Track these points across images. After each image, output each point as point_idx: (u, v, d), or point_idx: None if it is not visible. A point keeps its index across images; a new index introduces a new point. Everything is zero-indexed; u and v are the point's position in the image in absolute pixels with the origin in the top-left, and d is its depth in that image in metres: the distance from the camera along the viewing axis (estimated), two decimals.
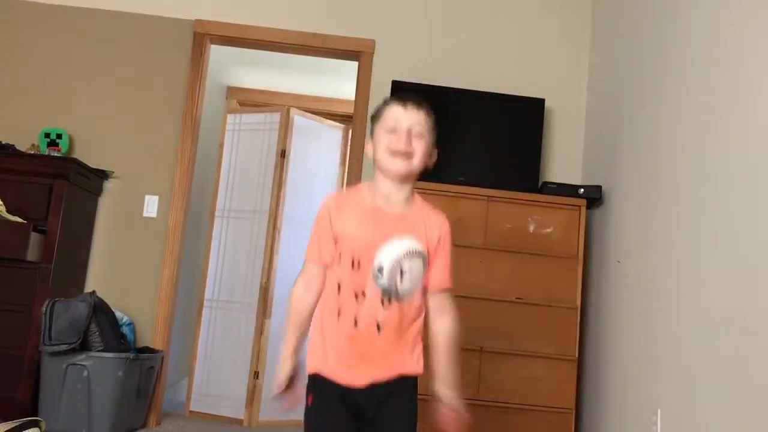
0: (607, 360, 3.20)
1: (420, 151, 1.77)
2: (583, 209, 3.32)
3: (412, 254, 1.72)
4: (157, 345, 3.63)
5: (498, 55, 3.95)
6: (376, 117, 1.83)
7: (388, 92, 3.38)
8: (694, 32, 2.67)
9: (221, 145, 4.49)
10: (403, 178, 1.78)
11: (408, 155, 1.75)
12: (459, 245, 3.17)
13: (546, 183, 3.47)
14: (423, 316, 1.81)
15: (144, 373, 3.39)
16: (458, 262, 3.18)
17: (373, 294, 1.69)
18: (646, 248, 2.91)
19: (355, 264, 1.70)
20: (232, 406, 4.06)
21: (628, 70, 3.34)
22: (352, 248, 1.71)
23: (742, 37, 2.30)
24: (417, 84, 3.45)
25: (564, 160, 3.86)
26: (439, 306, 1.84)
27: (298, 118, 4.38)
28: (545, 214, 3.30)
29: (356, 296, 1.69)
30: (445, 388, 1.84)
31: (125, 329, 3.48)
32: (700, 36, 2.62)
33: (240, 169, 4.41)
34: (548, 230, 3.28)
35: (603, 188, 3.42)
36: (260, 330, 4.11)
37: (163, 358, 3.62)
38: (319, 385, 1.75)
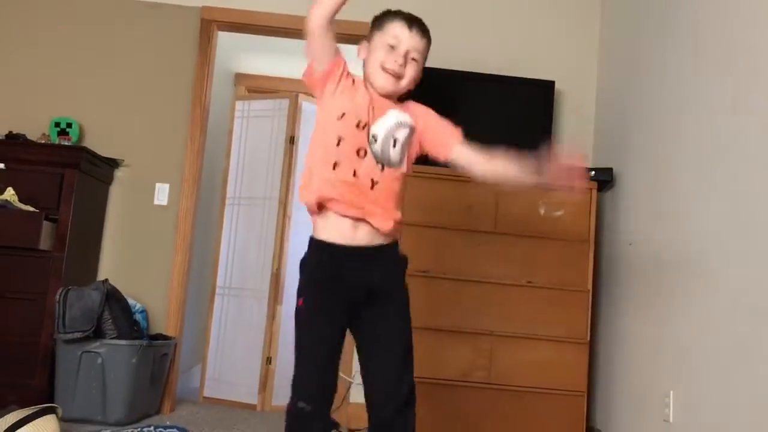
0: (618, 342, 3.20)
1: (410, 76, 1.84)
2: (594, 192, 3.30)
3: (401, 124, 1.82)
4: (170, 332, 3.65)
5: (506, 38, 3.92)
6: (378, 24, 1.87)
7: None
8: (707, 10, 2.64)
9: (230, 132, 4.49)
10: (387, 96, 1.85)
11: (398, 76, 1.82)
12: (470, 230, 3.21)
13: None
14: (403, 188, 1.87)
15: (157, 359, 3.41)
16: (468, 247, 3.21)
17: (371, 155, 1.79)
18: (658, 230, 2.90)
19: (361, 124, 1.79)
20: (246, 392, 4.09)
21: (639, 51, 3.31)
22: (360, 112, 1.79)
23: (757, 14, 2.27)
24: (425, 68, 3.42)
25: (575, 143, 3.84)
26: (474, 153, 1.91)
27: (307, 104, 4.37)
28: (556, 197, 3.28)
29: (358, 153, 1.78)
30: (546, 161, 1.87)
31: (138, 316, 3.50)
32: (713, 14, 2.58)
33: (249, 155, 4.42)
34: (559, 213, 3.27)
35: (614, 170, 3.39)
36: (272, 316, 4.13)
37: (176, 345, 3.65)
38: (310, 267, 1.83)
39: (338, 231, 1.79)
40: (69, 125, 3.65)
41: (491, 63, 3.71)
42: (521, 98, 3.61)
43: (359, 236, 1.79)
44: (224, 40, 4.10)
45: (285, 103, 4.36)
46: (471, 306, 3.17)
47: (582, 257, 3.24)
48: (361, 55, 1.89)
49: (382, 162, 1.79)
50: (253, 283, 4.24)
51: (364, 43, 1.90)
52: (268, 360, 4.10)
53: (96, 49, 3.87)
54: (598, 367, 3.38)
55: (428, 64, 3.56)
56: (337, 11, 1.76)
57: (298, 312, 1.82)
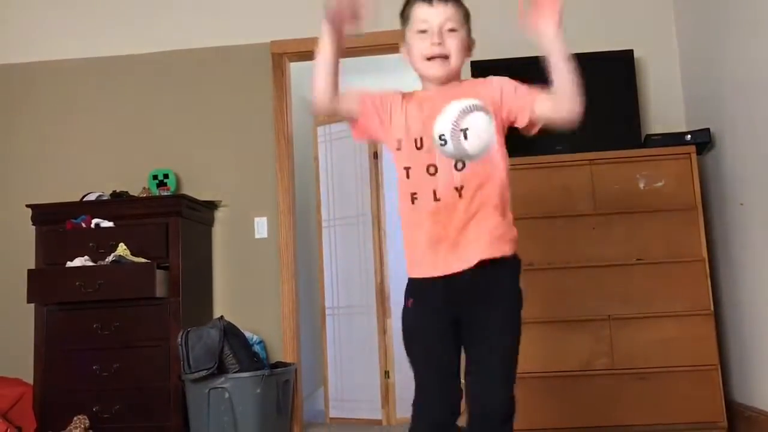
0: (745, 309, 3.03)
1: (456, 49, 1.70)
2: (694, 156, 3.15)
3: (468, 110, 1.64)
4: (288, 359, 3.75)
5: (576, 13, 3.78)
6: (404, 18, 1.76)
7: (468, 75, 3.26)
8: None
9: (316, 158, 4.58)
10: (445, 80, 1.73)
11: (443, 56, 1.70)
12: (568, 215, 3.13)
13: (649, 136, 3.33)
14: (506, 180, 1.70)
15: (281, 387, 3.50)
16: (570, 233, 3.14)
17: (444, 163, 1.66)
18: None
19: (418, 143, 1.69)
20: (369, 408, 4.13)
21: (719, 2, 3.15)
22: (413, 129, 1.70)
23: None
24: (496, 60, 3.37)
25: (664, 109, 3.69)
26: (551, 96, 1.67)
27: None
28: (653, 167, 3.15)
29: (428, 171, 1.67)
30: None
31: (257, 348, 3.61)
32: None
33: (337, 177, 4.49)
34: (660, 184, 3.14)
35: (711, 131, 3.24)
36: (383, 330, 4.16)
37: (296, 371, 3.73)
38: (416, 287, 1.76)
39: (440, 264, 1.69)
40: (166, 176, 3.82)
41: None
42: (601, 73, 3.48)
43: (455, 265, 1.67)
44: (297, 70, 4.20)
45: None
46: (583, 293, 3.09)
47: (692, 225, 3.10)
48: (406, 59, 1.79)
49: (462, 160, 1.64)
50: (360, 300, 4.29)
51: (402, 46, 1.80)
52: (387, 374, 4.12)
53: (179, 100, 4.05)
54: (728, 338, 3.21)
55: (498, 56, 3.50)
56: (330, 84, 1.69)
57: (405, 331, 1.81)
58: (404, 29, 1.78)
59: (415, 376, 1.77)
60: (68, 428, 3.15)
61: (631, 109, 3.47)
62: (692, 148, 3.17)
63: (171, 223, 3.51)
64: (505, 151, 1.72)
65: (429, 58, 1.70)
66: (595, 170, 3.18)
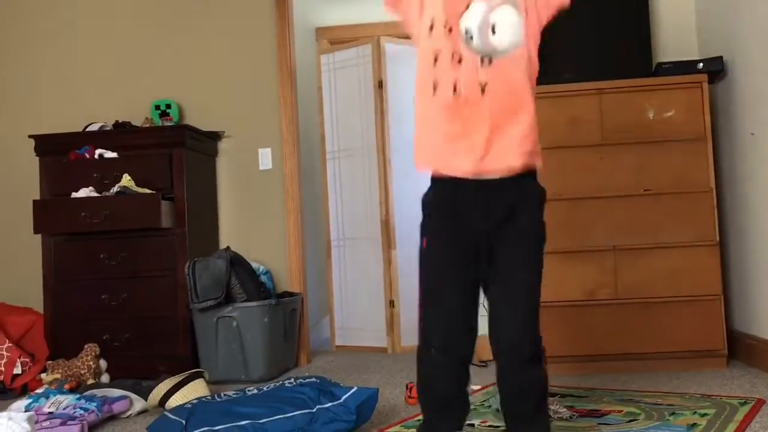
0: (750, 239, 3.03)
1: None
2: (705, 85, 3.09)
3: (497, 4, 1.53)
4: (294, 288, 3.79)
5: None
6: None
7: None
8: None
9: (319, 88, 4.52)
10: None
11: None
12: (576, 145, 3.09)
13: (660, 64, 3.25)
14: (535, 87, 1.59)
15: (287, 316, 3.55)
16: (577, 163, 3.10)
17: (470, 56, 1.54)
18: None
19: (447, 27, 1.55)
20: (375, 336, 4.21)
21: None
22: (444, 12, 1.56)
23: None
24: None
25: (677, 37, 3.58)
26: None
27: (390, 46, 4.31)
28: (664, 97, 3.09)
29: (452, 59, 1.54)
30: None
31: (263, 278, 3.65)
32: None
33: (341, 107, 4.43)
34: (669, 114, 3.09)
35: (724, 59, 3.16)
36: (388, 261, 4.19)
37: (302, 300, 3.78)
38: (437, 191, 1.64)
39: (456, 163, 1.56)
40: (168, 106, 3.78)
41: None
42: None
43: (481, 167, 1.55)
44: None
45: (368, 48, 4.32)
46: (589, 224, 3.08)
47: (700, 156, 3.06)
48: None
49: (489, 55, 1.52)
50: (365, 232, 4.31)
51: None
52: (391, 303, 4.18)
53: (178, 28, 3.96)
54: (731, 268, 3.22)
55: None
56: None
57: (422, 253, 1.65)
58: None
59: (424, 300, 1.66)
60: (79, 356, 3.21)
61: (642, 36, 3.36)
62: (704, 77, 3.10)
63: (175, 154, 3.49)
64: (536, 60, 1.60)
65: None
66: (604, 99, 3.12)
